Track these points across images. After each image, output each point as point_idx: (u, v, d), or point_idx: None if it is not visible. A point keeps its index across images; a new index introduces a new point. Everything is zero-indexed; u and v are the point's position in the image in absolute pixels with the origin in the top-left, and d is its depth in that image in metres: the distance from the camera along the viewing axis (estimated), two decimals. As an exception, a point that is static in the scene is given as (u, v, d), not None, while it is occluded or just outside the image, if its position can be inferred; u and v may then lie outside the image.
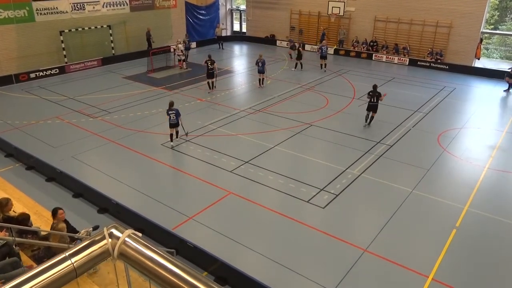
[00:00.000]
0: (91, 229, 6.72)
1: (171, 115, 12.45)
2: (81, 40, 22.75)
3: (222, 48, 27.94)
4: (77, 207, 9.68)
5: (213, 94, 18.13)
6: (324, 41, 23.75)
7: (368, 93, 14.41)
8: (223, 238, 8.61)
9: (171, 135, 12.78)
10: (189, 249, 7.82)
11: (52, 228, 6.31)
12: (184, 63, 22.63)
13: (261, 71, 18.68)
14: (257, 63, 18.77)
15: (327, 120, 15.20)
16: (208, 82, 18.48)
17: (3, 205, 6.63)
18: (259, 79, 19.10)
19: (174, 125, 12.61)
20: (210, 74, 18.15)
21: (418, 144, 13.32)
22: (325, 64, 22.34)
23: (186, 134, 13.17)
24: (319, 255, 8.24)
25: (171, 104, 12.64)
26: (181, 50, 22.38)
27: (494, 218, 9.46)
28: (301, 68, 22.37)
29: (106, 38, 23.87)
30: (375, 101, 14.22)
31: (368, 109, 14.46)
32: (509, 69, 19.52)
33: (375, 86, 14.49)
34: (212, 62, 17.98)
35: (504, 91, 19.29)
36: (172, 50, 23.27)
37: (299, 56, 22.32)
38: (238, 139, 13.62)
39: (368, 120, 14.57)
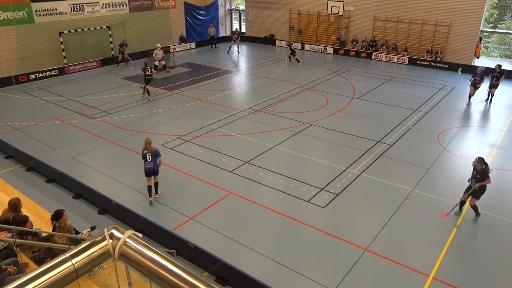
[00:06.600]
0: (89, 229, 6.76)
1: (147, 156, 9.36)
2: (81, 41, 22.74)
3: (215, 47, 28.65)
4: (77, 208, 9.68)
5: (213, 94, 18.12)
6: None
7: (484, 168, 9.04)
8: (224, 238, 8.62)
9: (149, 187, 9.73)
10: (189, 250, 7.82)
11: (61, 226, 6.30)
12: (156, 71, 20.35)
13: (153, 172, 9.74)
14: (144, 156, 9.68)
15: (327, 120, 15.20)
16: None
17: (15, 206, 6.60)
18: (149, 186, 9.91)
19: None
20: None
21: (418, 143, 13.32)
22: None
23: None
24: (319, 255, 8.24)
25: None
26: (158, 59, 21.27)
27: (495, 216, 9.46)
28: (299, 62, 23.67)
29: (105, 39, 23.88)
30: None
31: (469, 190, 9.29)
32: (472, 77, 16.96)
33: (482, 160, 9.18)
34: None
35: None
36: (172, 50, 23.23)
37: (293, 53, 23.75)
38: (238, 139, 13.62)
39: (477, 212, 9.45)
